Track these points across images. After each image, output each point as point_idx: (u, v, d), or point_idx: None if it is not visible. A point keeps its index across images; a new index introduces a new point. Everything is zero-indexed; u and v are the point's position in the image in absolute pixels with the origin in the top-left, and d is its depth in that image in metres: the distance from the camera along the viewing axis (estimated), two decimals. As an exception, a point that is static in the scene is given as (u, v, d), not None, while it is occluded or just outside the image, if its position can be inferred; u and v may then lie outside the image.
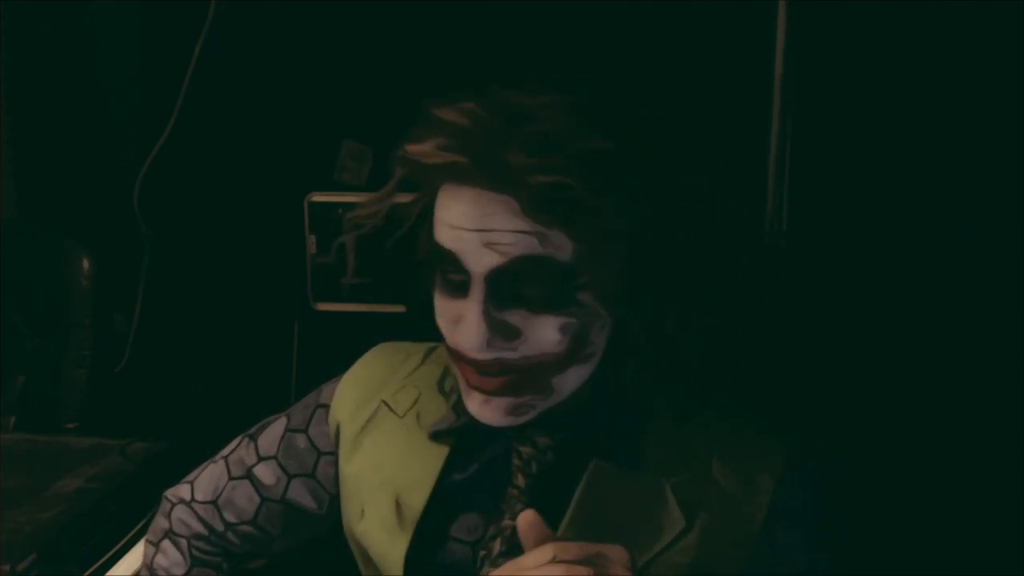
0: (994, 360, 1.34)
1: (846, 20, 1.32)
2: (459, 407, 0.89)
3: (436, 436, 0.89)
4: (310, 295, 1.56)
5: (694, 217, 0.81)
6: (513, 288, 0.78)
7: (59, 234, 1.57)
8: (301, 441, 0.97)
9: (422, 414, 0.92)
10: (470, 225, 0.78)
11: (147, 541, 1.05)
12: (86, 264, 1.54)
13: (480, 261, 0.78)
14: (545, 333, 0.78)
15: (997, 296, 1.33)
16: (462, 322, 0.79)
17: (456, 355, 0.82)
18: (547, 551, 0.68)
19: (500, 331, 0.78)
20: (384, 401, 0.94)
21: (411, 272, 0.89)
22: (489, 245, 0.77)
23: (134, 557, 1.20)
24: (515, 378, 0.79)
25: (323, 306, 1.56)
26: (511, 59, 1.39)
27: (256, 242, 1.59)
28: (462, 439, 0.89)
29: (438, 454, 0.88)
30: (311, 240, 1.54)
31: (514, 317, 0.79)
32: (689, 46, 1.37)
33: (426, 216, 0.85)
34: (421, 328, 0.92)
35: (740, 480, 0.84)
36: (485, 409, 0.81)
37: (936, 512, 1.36)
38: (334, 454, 0.96)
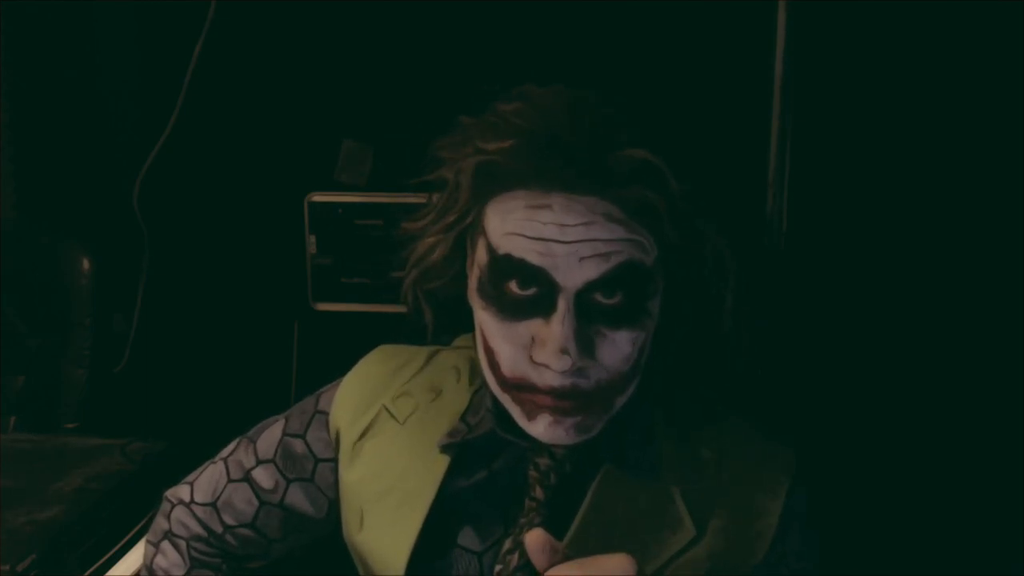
0: (993, 358, 1.34)
1: (846, 20, 1.32)
2: (469, 418, 0.88)
3: (443, 446, 0.87)
4: (310, 295, 1.56)
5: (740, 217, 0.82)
6: (596, 300, 0.75)
7: (59, 234, 1.57)
8: (298, 447, 0.96)
9: (425, 420, 0.90)
10: (565, 237, 0.74)
11: (147, 541, 1.05)
12: (86, 264, 1.53)
13: (576, 275, 0.74)
14: (619, 349, 0.76)
15: (997, 296, 1.33)
16: (543, 344, 0.75)
17: (521, 381, 0.78)
18: None
19: (584, 350, 0.75)
20: (385, 406, 0.92)
21: (429, 287, 0.86)
22: (589, 256, 0.74)
23: (134, 557, 1.20)
24: (583, 402, 0.77)
25: (323, 306, 1.56)
26: (511, 59, 1.39)
27: (256, 242, 1.59)
28: (468, 447, 0.87)
29: (441, 462, 0.87)
30: (311, 240, 1.53)
31: (592, 332, 0.76)
32: (689, 46, 1.37)
33: (457, 225, 0.81)
34: (422, 329, 0.91)
35: (751, 489, 0.84)
36: (556, 430, 0.78)
37: (938, 513, 1.36)
38: (333, 460, 0.95)
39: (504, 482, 0.85)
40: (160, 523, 1.04)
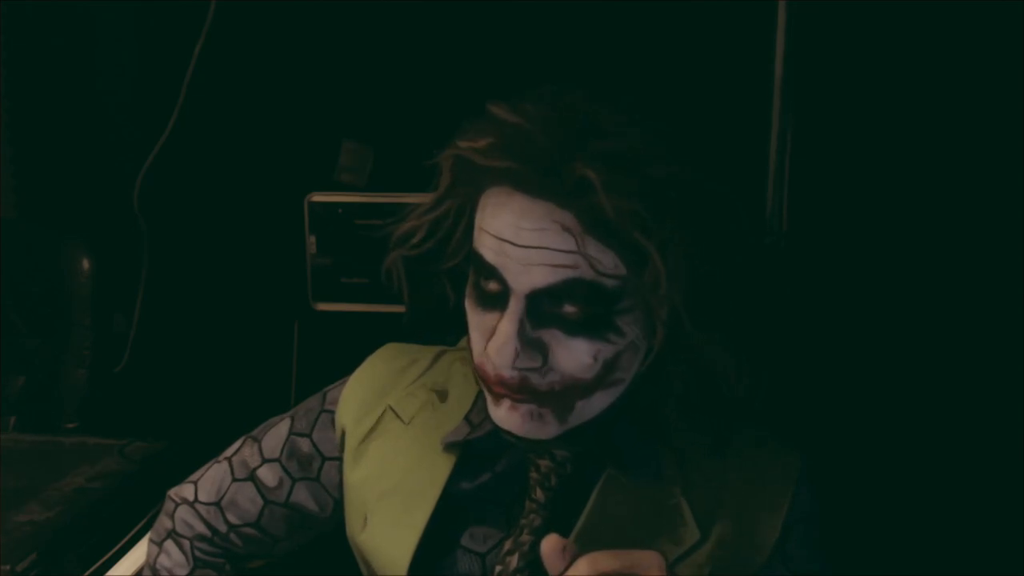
0: (994, 358, 1.34)
1: (846, 20, 1.32)
2: (472, 418, 0.88)
3: (447, 446, 0.87)
4: (310, 295, 1.56)
5: (740, 242, 0.79)
6: (552, 306, 0.75)
7: (59, 234, 1.57)
8: (305, 445, 0.97)
9: (430, 421, 0.90)
10: (519, 240, 0.74)
11: (150, 540, 1.05)
12: (86, 264, 1.54)
13: (524, 280, 0.74)
14: (576, 356, 0.76)
15: (998, 296, 1.33)
16: (493, 337, 0.76)
17: (480, 370, 0.80)
18: (581, 567, 0.65)
19: (529, 350, 0.76)
20: (390, 407, 0.92)
21: (427, 275, 0.86)
22: (537, 264, 0.73)
23: (134, 557, 1.20)
24: (538, 396, 0.78)
25: (323, 306, 1.56)
26: (511, 59, 1.39)
27: (256, 242, 1.59)
28: (472, 448, 0.87)
29: (446, 463, 0.87)
30: (311, 240, 1.53)
31: (546, 336, 0.76)
32: (689, 46, 1.37)
33: (459, 218, 0.82)
34: (421, 330, 0.91)
35: (756, 492, 0.84)
36: (512, 416, 0.79)
37: (944, 514, 1.36)
38: (339, 459, 0.95)
39: (507, 484, 0.85)
40: (163, 522, 1.04)
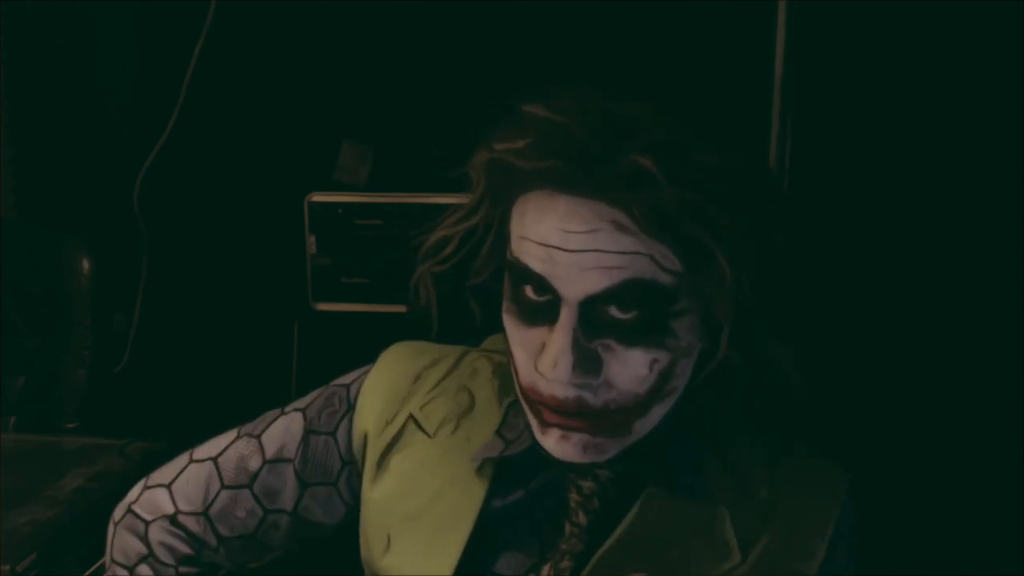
0: (992, 359, 1.34)
1: (846, 20, 1.32)
2: (505, 432, 0.82)
3: (479, 463, 0.81)
4: (310, 295, 1.56)
5: (789, 232, 0.75)
6: (606, 313, 0.70)
7: (59, 234, 1.57)
8: (326, 445, 0.88)
9: (457, 434, 0.83)
10: (568, 245, 0.69)
11: (114, 563, 0.90)
12: (86, 264, 1.54)
13: (576, 287, 0.69)
14: (632, 368, 0.71)
15: (997, 295, 1.33)
16: (545, 352, 0.71)
17: (532, 392, 0.74)
18: None
19: (585, 363, 0.70)
20: (412, 416, 0.85)
21: (454, 290, 0.81)
22: (590, 268, 0.68)
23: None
24: (594, 422, 0.73)
25: (323, 306, 1.56)
26: (512, 59, 1.39)
27: (256, 242, 1.59)
28: (504, 463, 0.81)
29: (478, 483, 0.80)
30: (311, 240, 1.53)
31: (600, 347, 0.71)
32: (689, 46, 1.37)
33: (488, 229, 0.78)
34: (425, 325, 0.90)
35: (802, 510, 0.79)
36: (564, 446, 0.73)
37: (946, 515, 1.35)
38: (357, 464, 0.88)
39: (542, 504, 0.80)
40: (130, 544, 0.90)
